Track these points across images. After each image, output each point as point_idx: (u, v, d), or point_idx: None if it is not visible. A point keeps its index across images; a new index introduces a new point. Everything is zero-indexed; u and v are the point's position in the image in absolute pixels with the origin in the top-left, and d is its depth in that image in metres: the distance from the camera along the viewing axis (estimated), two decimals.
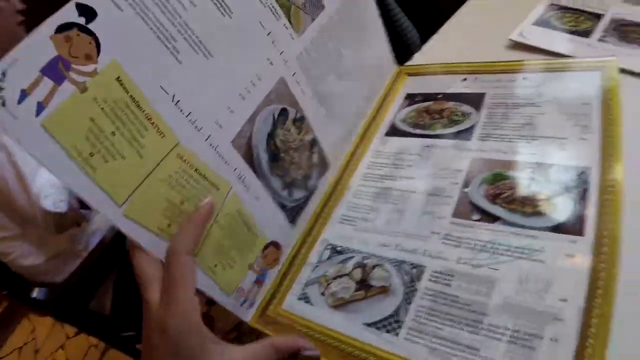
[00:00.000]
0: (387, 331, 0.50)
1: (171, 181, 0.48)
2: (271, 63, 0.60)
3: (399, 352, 0.48)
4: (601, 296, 0.46)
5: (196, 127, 0.51)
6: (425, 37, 1.00)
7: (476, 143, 0.65)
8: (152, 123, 0.46)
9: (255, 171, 0.56)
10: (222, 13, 0.55)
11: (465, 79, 0.77)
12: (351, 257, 0.57)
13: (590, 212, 0.52)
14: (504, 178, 0.59)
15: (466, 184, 0.60)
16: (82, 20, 0.41)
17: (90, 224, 0.97)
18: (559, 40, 0.85)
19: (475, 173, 0.61)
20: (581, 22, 0.90)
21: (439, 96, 0.76)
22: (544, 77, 0.72)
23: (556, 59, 0.78)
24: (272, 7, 0.61)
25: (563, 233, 0.52)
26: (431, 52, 0.94)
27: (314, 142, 0.65)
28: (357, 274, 0.55)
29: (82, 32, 0.41)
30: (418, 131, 0.71)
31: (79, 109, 0.41)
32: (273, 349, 0.44)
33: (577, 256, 0.49)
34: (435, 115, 0.72)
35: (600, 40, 0.84)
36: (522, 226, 0.54)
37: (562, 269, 0.49)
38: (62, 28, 0.40)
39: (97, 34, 0.42)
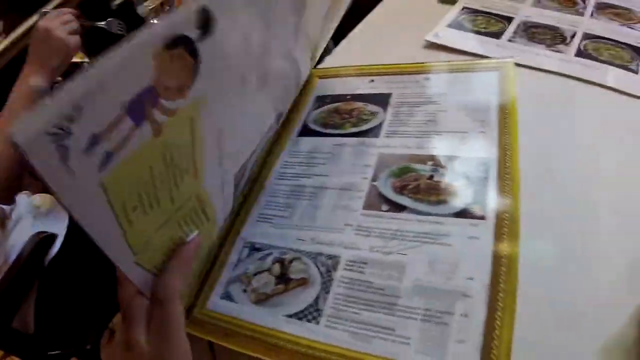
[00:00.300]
0: (308, 320, 0.51)
1: (181, 222, 0.41)
2: (286, 93, 0.58)
3: (321, 339, 0.50)
4: (505, 273, 0.49)
5: (222, 165, 0.45)
6: (337, 40, 1.03)
7: (383, 140, 0.69)
8: (195, 167, 0.38)
9: (233, 198, 0.56)
10: (293, 41, 0.48)
11: (372, 80, 0.81)
12: (270, 254, 0.59)
13: (491, 198, 0.57)
14: (409, 171, 0.63)
15: (375, 178, 0.63)
16: (196, 35, 0.30)
17: (9, 237, 0.94)
18: (471, 41, 0.90)
19: (383, 167, 0.65)
20: (492, 25, 0.95)
21: (348, 97, 0.79)
22: (447, 77, 0.77)
23: (458, 60, 0.82)
24: (311, 40, 0.57)
25: (466, 218, 0.56)
26: (341, 55, 0.97)
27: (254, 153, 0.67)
28: (276, 268, 0.57)
29: (189, 53, 0.30)
30: (329, 131, 0.74)
31: (145, 157, 0.30)
32: None
33: (481, 238, 0.53)
34: (345, 115, 0.76)
35: (509, 40, 0.89)
36: (428, 214, 0.57)
37: (467, 250, 0.53)
38: (173, 43, 0.28)
39: (202, 59, 0.31)
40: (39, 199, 0.97)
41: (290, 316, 0.52)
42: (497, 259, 0.51)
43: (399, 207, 0.59)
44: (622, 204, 0.59)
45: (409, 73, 0.80)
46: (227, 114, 0.41)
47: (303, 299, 0.53)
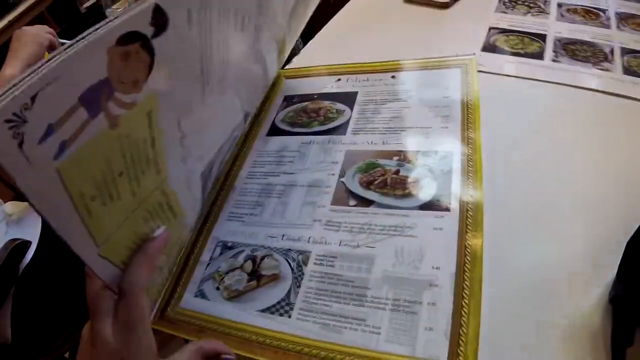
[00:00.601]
0: (280, 314, 0.52)
1: (147, 216, 0.42)
2: (254, 93, 0.59)
3: (293, 331, 0.51)
4: (470, 262, 0.51)
5: (185, 162, 0.47)
6: (306, 40, 1.05)
7: (350, 137, 0.71)
8: (156, 162, 0.40)
9: (202, 197, 0.57)
10: (256, 40, 0.49)
11: (339, 79, 0.83)
12: (242, 251, 0.60)
13: (455, 190, 0.59)
14: (376, 166, 0.65)
15: (342, 174, 0.65)
16: (150, 32, 0.31)
17: None
18: (515, 65, 0.85)
19: (350, 164, 0.66)
20: (528, 44, 0.90)
21: (315, 96, 0.81)
22: (411, 75, 0.80)
23: (421, 59, 0.83)
24: (277, 39, 0.58)
25: (431, 210, 0.58)
26: (309, 54, 0.98)
27: (220, 152, 0.68)
28: (249, 266, 0.58)
29: (144, 49, 0.31)
30: (297, 129, 0.75)
31: (100, 149, 0.32)
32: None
33: (446, 229, 0.55)
34: (312, 114, 0.77)
35: (553, 60, 0.85)
36: (395, 207, 0.59)
37: (433, 241, 0.55)
38: (126, 39, 0.29)
39: (156, 54, 0.33)
40: (10, 207, 0.96)
41: (262, 311, 0.54)
42: (462, 248, 0.53)
43: (366, 202, 0.61)
44: (581, 195, 0.61)
45: (375, 72, 0.83)
46: (188, 111, 0.42)
47: (275, 294, 0.55)
